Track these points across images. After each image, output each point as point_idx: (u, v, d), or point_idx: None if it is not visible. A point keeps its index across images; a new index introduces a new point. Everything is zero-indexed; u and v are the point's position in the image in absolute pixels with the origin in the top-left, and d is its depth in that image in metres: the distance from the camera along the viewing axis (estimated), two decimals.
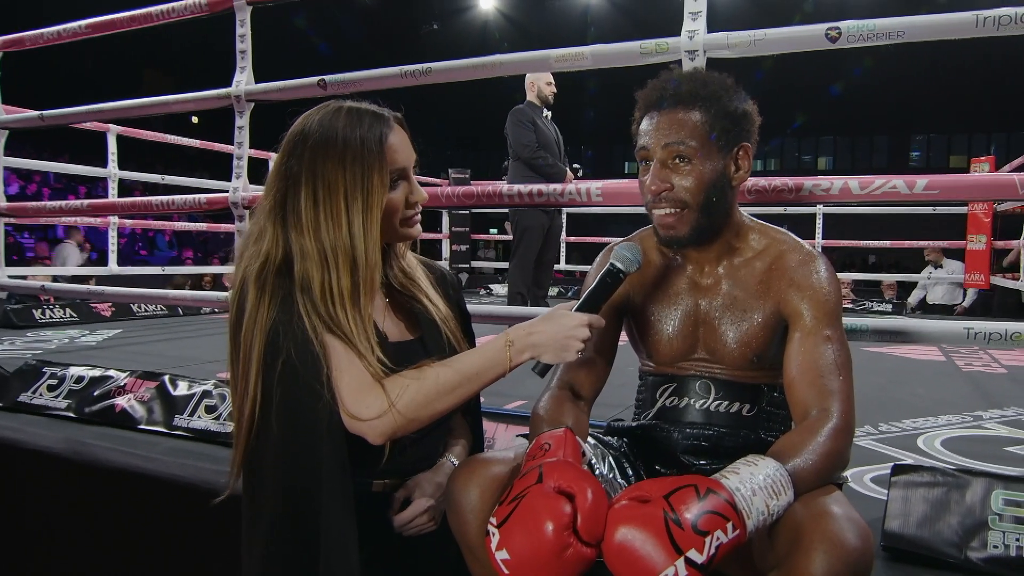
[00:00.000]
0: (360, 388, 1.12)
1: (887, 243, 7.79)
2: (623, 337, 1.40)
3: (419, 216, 1.27)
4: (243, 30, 2.64)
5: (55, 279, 5.66)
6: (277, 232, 1.17)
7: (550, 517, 0.91)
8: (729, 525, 0.88)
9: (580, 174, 4.50)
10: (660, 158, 1.21)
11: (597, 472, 1.23)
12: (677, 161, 1.21)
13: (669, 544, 0.86)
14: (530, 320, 1.19)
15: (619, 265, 1.21)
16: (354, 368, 1.12)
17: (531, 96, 4.26)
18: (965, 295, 7.04)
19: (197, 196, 2.83)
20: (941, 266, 7.32)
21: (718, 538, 0.87)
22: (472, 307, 1.44)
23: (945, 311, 7.12)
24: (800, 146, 20.18)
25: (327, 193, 1.15)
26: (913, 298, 7.63)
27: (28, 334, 4.03)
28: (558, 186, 2.11)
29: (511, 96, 4.35)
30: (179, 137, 6.05)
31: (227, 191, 2.70)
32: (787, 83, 14.59)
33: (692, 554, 0.86)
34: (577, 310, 1.18)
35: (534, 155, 4.09)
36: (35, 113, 3.31)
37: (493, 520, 0.96)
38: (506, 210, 5.05)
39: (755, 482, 0.93)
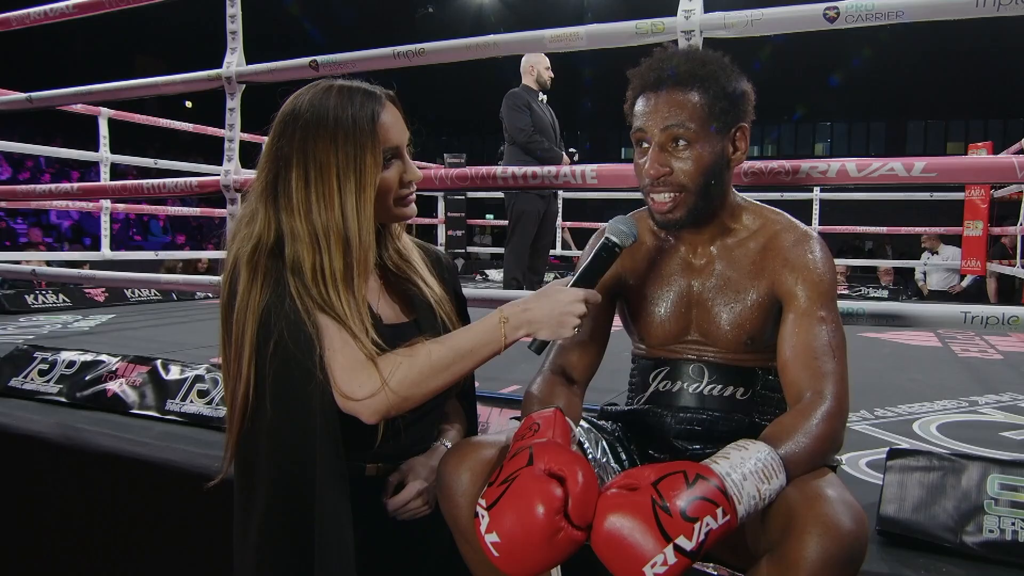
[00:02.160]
0: (353, 367, 1.10)
1: (883, 229, 7.80)
2: (617, 322, 1.39)
3: (414, 196, 1.26)
4: (233, 10, 2.61)
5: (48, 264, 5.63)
6: (269, 214, 1.16)
7: (541, 500, 0.90)
8: (719, 511, 0.87)
9: (576, 158, 4.48)
10: (659, 141, 1.19)
11: (590, 456, 1.22)
12: (676, 144, 1.19)
13: (658, 531, 0.85)
14: (524, 297, 1.18)
15: (614, 239, 1.19)
16: (347, 348, 1.11)
17: (529, 80, 4.22)
18: (963, 279, 7.06)
19: (188, 179, 2.82)
20: (937, 252, 7.33)
21: (708, 524, 0.86)
22: (468, 291, 1.43)
23: (943, 297, 7.13)
24: (797, 132, 20.13)
25: (318, 174, 1.13)
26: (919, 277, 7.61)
27: (20, 319, 4.01)
28: (552, 169, 2.09)
29: (507, 80, 4.31)
30: (172, 121, 6.00)
31: (219, 175, 2.68)
32: (784, 70, 14.52)
33: (681, 541, 0.85)
34: (572, 285, 1.16)
35: (530, 139, 4.06)
36: (23, 95, 3.27)
37: (482, 502, 0.95)
38: (502, 195, 5.04)
39: (746, 467, 0.92)
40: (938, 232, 7.24)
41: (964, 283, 7.09)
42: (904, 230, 7.46)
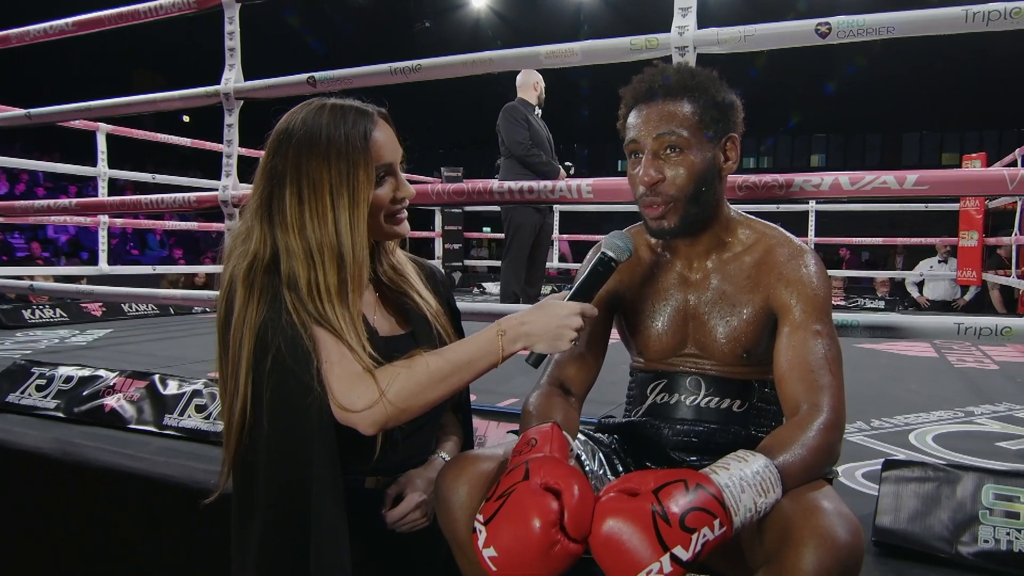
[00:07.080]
0: (350, 379, 1.11)
1: (879, 240, 7.83)
2: (614, 335, 1.40)
3: (405, 213, 1.27)
4: (232, 27, 2.63)
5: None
6: (264, 231, 1.17)
7: (537, 514, 0.91)
8: (716, 522, 0.88)
9: (571, 172, 4.49)
10: (652, 149, 1.21)
11: (587, 469, 1.22)
12: (669, 151, 1.21)
13: (656, 540, 0.86)
14: (522, 310, 1.19)
15: (610, 254, 1.20)
16: (344, 360, 1.12)
17: (529, 94, 4.24)
18: (965, 291, 7.05)
19: (186, 195, 2.82)
20: (947, 262, 7.29)
21: (704, 535, 0.86)
22: (465, 305, 1.44)
23: (945, 307, 7.13)
24: (793, 144, 20.21)
25: (312, 191, 1.14)
26: (911, 288, 7.58)
27: (17, 334, 4.01)
28: (549, 183, 2.10)
29: (504, 94, 4.34)
30: (170, 136, 6.01)
31: (217, 190, 2.68)
32: (780, 81, 14.61)
33: (678, 551, 0.85)
34: (569, 299, 1.17)
35: (528, 152, 4.08)
36: (22, 111, 3.29)
37: (480, 517, 0.95)
38: (499, 209, 5.05)
39: (745, 479, 0.93)
40: (933, 243, 7.25)
41: (967, 296, 7.07)
42: (900, 241, 7.49)
